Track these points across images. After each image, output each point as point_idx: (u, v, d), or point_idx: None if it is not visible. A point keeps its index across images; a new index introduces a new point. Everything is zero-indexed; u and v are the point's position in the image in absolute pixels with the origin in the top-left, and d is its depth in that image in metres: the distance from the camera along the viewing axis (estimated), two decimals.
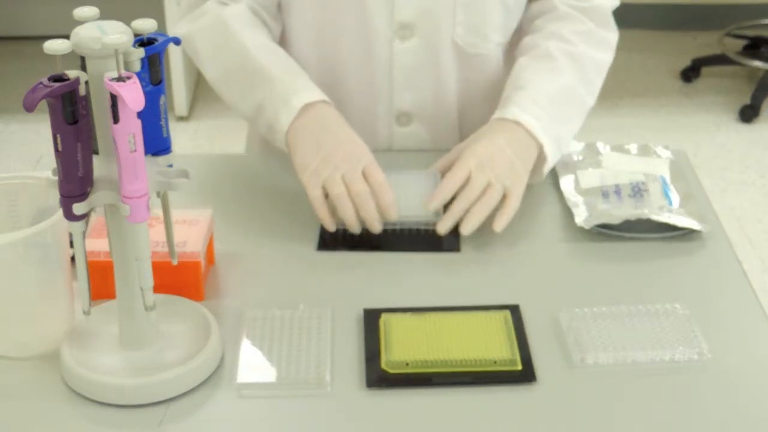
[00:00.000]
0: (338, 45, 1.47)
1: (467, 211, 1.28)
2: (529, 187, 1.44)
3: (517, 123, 1.35)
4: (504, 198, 1.30)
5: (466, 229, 1.28)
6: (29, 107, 0.91)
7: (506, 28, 1.50)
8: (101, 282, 1.11)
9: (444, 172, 1.34)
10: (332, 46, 1.48)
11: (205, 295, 1.20)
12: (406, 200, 1.32)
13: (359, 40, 1.45)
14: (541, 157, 1.36)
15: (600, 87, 1.49)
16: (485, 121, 1.45)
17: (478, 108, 1.52)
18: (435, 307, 1.18)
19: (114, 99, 0.91)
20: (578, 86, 1.44)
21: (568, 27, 1.45)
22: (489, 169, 1.30)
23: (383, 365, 1.09)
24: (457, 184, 1.29)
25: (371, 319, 1.16)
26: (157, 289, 1.03)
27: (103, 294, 1.12)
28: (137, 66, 0.97)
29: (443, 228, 1.28)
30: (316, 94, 1.35)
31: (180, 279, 1.17)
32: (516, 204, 1.30)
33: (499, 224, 1.29)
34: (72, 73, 0.93)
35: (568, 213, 1.37)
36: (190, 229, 1.20)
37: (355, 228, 1.28)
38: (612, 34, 1.50)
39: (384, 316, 1.15)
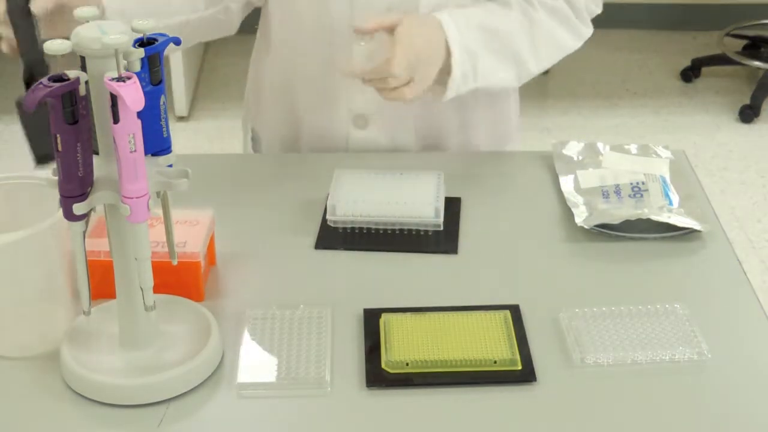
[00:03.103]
0: (297, 46, 1.48)
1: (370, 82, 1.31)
2: (530, 187, 1.44)
3: (440, 26, 1.34)
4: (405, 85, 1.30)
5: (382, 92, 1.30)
6: (29, 107, 0.91)
7: None
8: (102, 282, 1.11)
9: (371, 30, 1.33)
10: (291, 46, 1.49)
11: (205, 295, 1.20)
12: (407, 200, 1.32)
13: (318, 42, 1.45)
14: (445, 69, 1.35)
15: (549, 60, 1.46)
16: (442, 123, 1.45)
17: (435, 109, 1.51)
18: (435, 307, 1.18)
19: (114, 99, 0.91)
20: (520, 40, 1.41)
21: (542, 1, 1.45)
22: (414, 70, 1.30)
23: (383, 365, 1.09)
24: (383, 73, 1.29)
25: (371, 319, 1.16)
26: (157, 289, 1.03)
27: (103, 294, 1.12)
28: (137, 66, 0.97)
29: (346, 67, 1.33)
30: None
31: (180, 279, 1.16)
32: (407, 97, 1.30)
33: (388, 95, 1.30)
34: (72, 73, 0.93)
35: (568, 213, 1.37)
36: (191, 230, 1.20)
37: None
38: (585, 29, 1.49)
39: (384, 316, 1.15)
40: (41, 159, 1.21)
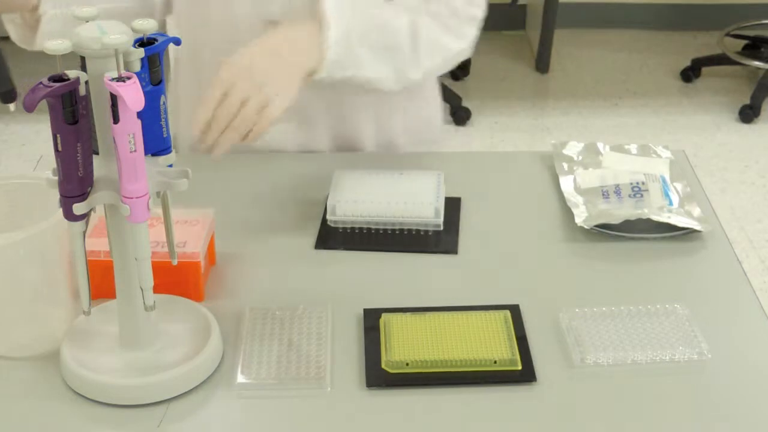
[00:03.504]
0: (206, 41, 1.47)
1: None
2: (530, 187, 1.44)
3: (314, 25, 1.30)
4: (263, 108, 1.22)
5: (215, 154, 1.21)
6: (29, 107, 0.90)
7: None
8: (102, 282, 1.11)
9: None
10: (201, 42, 1.48)
11: (205, 295, 1.20)
12: (408, 200, 1.32)
13: (226, 38, 1.43)
14: (324, 45, 1.30)
15: (433, 66, 1.42)
16: (356, 124, 1.45)
17: (348, 105, 1.51)
18: (435, 307, 1.18)
19: (114, 99, 0.91)
20: (404, 43, 1.37)
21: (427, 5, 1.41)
22: (245, 82, 1.22)
23: (383, 365, 1.09)
24: (212, 102, 1.21)
25: (371, 319, 1.16)
26: (157, 289, 1.03)
27: (103, 294, 1.12)
28: (137, 66, 0.97)
29: (204, 148, 1.21)
30: None
31: (180, 279, 1.17)
32: (270, 119, 1.22)
33: (249, 138, 1.21)
34: (72, 73, 0.93)
35: (568, 213, 1.37)
36: (191, 229, 1.20)
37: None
38: (469, 29, 1.44)
39: (384, 316, 1.15)
40: (4, 96, 1.19)
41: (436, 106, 1.66)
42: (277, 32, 1.29)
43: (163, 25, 1.52)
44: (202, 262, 1.19)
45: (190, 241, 1.18)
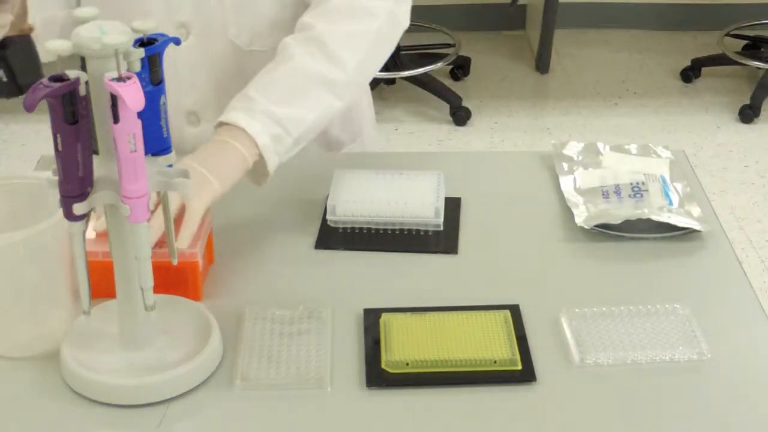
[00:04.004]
0: None
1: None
2: (530, 187, 1.44)
3: (221, 123, 1.28)
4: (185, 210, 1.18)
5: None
6: (29, 107, 0.90)
7: (284, 22, 1.43)
8: (101, 282, 1.11)
9: None
10: None
11: (204, 294, 1.20)
12: (408, 200, 1.32)
13: None
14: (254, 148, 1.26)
15: (357, 59, 1.35)
16: None
17: None
18: (435, 307, 1.18)
19: (114, 99, 0.91)
20: (309, 64, 1.32)
21: (330, 27, 1.35)
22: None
23: (383, 365, 1.09)
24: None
25: (371, 319, 1.16)
26: (155, 289, 1.03)
27: (103, 293, 1.12)
28: (137, 66, 0.97)
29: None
30: None
31: (179, 279, 1.16)
32: (194, 217, 1.16)
33: (182, 240, 1.15)
34: (72, 73, 0.93)
35: (568, 213, 1.37)
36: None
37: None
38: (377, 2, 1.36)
39: (384, 316, 1.15)
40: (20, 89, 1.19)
41: (367, 97, 1.65)
42: (199, 153, 1.24)
43: None
44: (200, 262, 1.19)
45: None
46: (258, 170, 1.29)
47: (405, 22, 1.42)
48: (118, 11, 1.33)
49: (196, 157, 1.23)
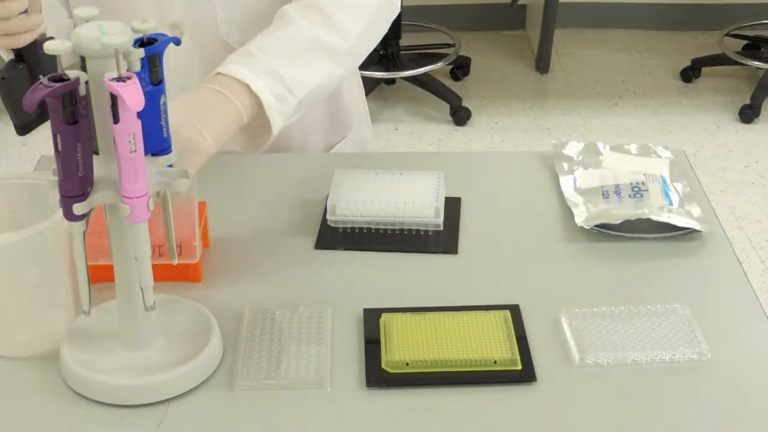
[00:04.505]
0: None
1: None
2: (530, 187, 1.44)
3: (218, 74, 1.22)
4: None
5: None
6: (29, 107, 0.90)
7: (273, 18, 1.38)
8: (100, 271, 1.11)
9: None
10: None
11: (204, 294, 1.20)
12: (408, 200, 1.32)
13: None
14: (256, 103, 1.22)
15: (357, 29, 1.33)
16: None
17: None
18: (435, 307, 1.18)
19: (114, 99, 0.91)
20: (310, 30, 1.30)
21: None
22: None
23: (383, 365, 1.09)
24: None
25: (371, 319, 1.16)
26: (155, 275, 1.03)
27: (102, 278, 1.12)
28: (137, 66, 0.97)
29: None
30: None
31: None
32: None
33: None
34: (72, 73, 0.93)
35: (568, 213, 1.37)
36: (179, 216, 1.18)
37: None
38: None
39: (384, 316, 1.15)
40: (22, 129, 1.20)
41: (358, 89, 1.64)
42: (194, 95, 1.20)
43: None
44: (197, 246, 1.19)
45: (185, 227, 1.18)
46: (253, 133, 1.25)
47: (398, 6, 1.41)
48: (109, 13, 1.33)
49: (188, 105, 1.16)
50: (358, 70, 1.58)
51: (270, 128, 1.24)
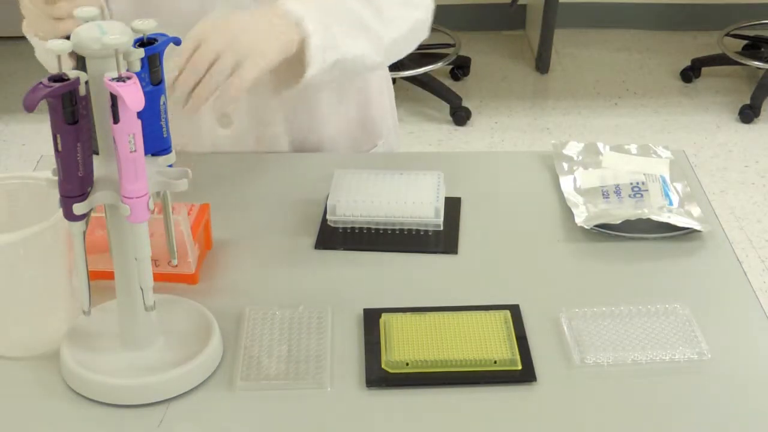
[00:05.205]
0: None
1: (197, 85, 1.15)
2: (530, 187, 1.44)
3: (278, 5, 1.25)
4: (233, 71, 1.16)
5: (188, 109, 1.15)
6: (29, 107, 0.90)
7: None
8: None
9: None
10: None
11: (204, 294, 1.20)
12: (408, 200, 1.32)
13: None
14: (304, 45, 1.24)
15: (397, 36, 1.38)
16: (314, 124, 1.44)
17: (302, 108, 1.49)
18: (435, 307, 1.18)
19: (114, 99, 0.91)
20: (364, 12, 1.33)
21: None
22: (220, 36, 1.16)
23: (383, 365, 1.09)
24: (185, 53, 1.15)
25: (371, 319, 1.16)
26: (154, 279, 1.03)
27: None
28: (137, 66, 0.97)
29: (175, 99, 1.13)
30: None
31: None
32: (245, 79, 1.15)
33: (225, 100, 1.15)
34: (72, 73, 0.93)
35: (568, 213, 1.37)
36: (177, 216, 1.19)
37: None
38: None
39: (384, 316, 1.15)
40: None
41: (388, 96, 1.64)
42: (253, 11, 1.24)
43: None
44: (192, 261, 1.20)
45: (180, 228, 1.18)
46: (283, 75, 1.26)
47: (428, 29, 1.45)
48: (151, 13, 1.34)
49: (258, 19, 1.20)
50: (389, 76, 1.60)
51: (303, 72, 1.25)
